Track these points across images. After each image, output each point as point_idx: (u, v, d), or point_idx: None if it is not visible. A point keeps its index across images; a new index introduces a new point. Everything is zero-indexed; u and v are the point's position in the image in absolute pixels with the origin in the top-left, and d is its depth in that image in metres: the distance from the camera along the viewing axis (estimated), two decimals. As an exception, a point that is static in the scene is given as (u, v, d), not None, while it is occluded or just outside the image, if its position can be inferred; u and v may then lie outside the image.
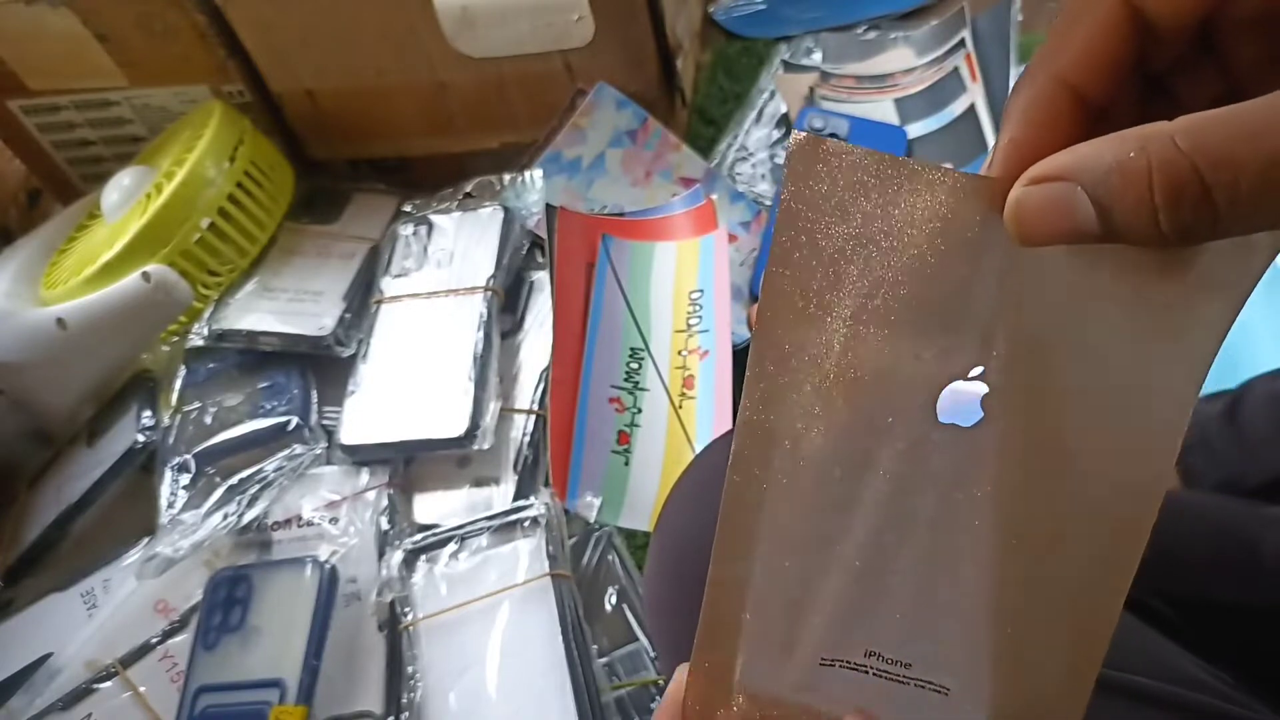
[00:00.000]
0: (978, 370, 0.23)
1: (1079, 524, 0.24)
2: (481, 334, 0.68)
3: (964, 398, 0.23)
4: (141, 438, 0.68)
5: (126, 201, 0.74)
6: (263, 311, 0.73)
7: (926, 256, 0.22)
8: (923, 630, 0.25)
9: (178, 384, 0.72)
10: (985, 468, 0.24)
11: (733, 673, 0.26)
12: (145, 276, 0.69)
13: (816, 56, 0.90)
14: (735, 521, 0.25)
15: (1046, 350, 0.22)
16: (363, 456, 0.66)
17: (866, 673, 0.26)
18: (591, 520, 0.63)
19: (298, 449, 0.66)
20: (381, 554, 0.62)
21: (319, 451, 0.67)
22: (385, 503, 0.64)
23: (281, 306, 0.74)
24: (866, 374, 0.23)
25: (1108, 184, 0.18)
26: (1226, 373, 0.65)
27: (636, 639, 0.60)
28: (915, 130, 0.80)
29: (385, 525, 0.63)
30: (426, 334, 0.70)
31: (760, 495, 0.24)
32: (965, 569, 0.24)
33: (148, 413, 0.70)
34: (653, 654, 0.59)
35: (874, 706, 0.26)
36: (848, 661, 0.26)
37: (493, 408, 0.66)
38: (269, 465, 0.65)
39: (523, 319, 0.73)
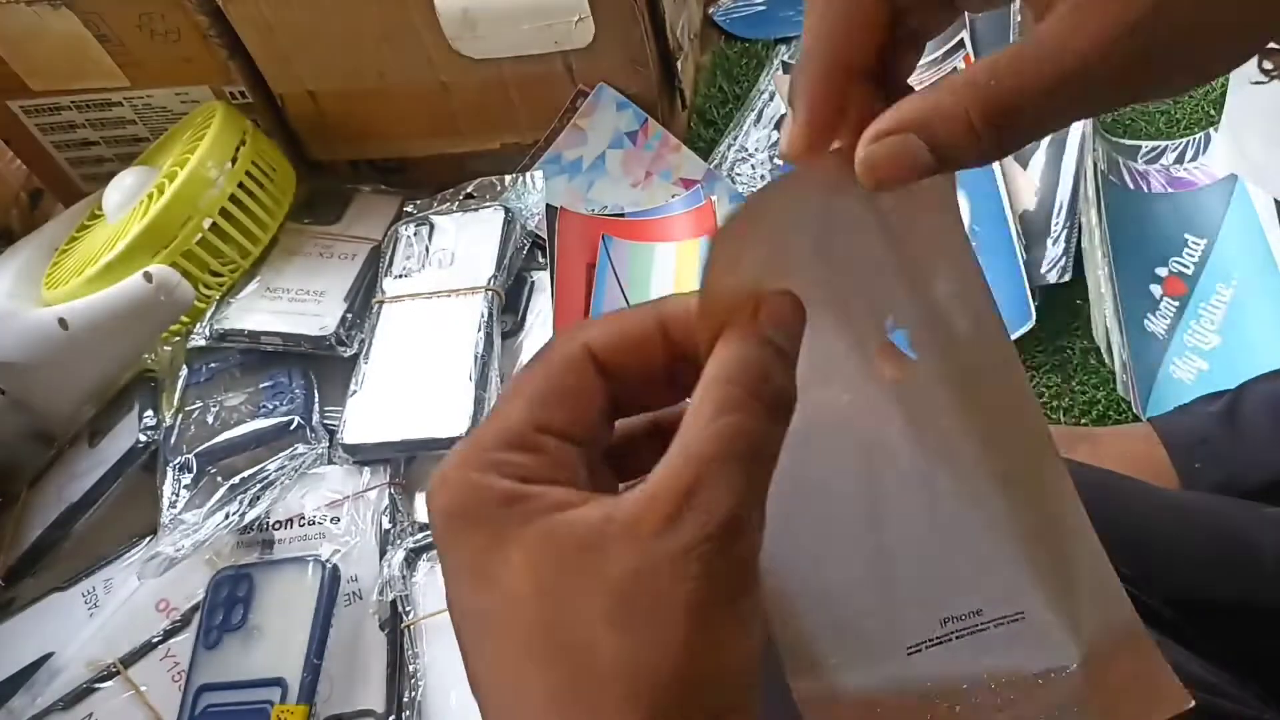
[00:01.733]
0: (890, 320, 0.25)
1: (1007, 422, 0.27)
2: (482, 334, 0.68)
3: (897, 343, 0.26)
4: (143, 437, 0.68)
5: (128, 202, 0.75)
6: (264, 311, 0.74)
7: (807, 248, 0.25)
8: (970, 575, 0.26)
9: (179, 384, 0.72)
10: (937, 401, 0.26)
11: (831, 692, 0.26)
12: (147, 277, 0.69)
13: (816, 58, 0.90)
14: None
15: (920, 282, 0.26)
16: (364, 456, 0.66)
17: (951, 639, 0.26)
18: (592, 520, 0.63)
19: (300, 448, 0.66)
20: (383, 553, 0.62)
21: (321, 451, 0.67)
22: (387, 502, 0.64)
23: (283, 306, 0.74)
24: (805, 370, 0.24)
25: (934, 125, 0.23)
26: (1227, 373, 0.65)
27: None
28: (915, 131, 0.80)
29: (387, 524, 0.63)
30: (428, 334, 0.70)
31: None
32: (967, 502, 0.26)
33: (149, 412, 0.70)
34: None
35: (975, 664, 0.27)
36: (930, 639, 0.26)
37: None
38: (271, 465, 0.65)
39: (523, 319, 0.74)
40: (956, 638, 0.26)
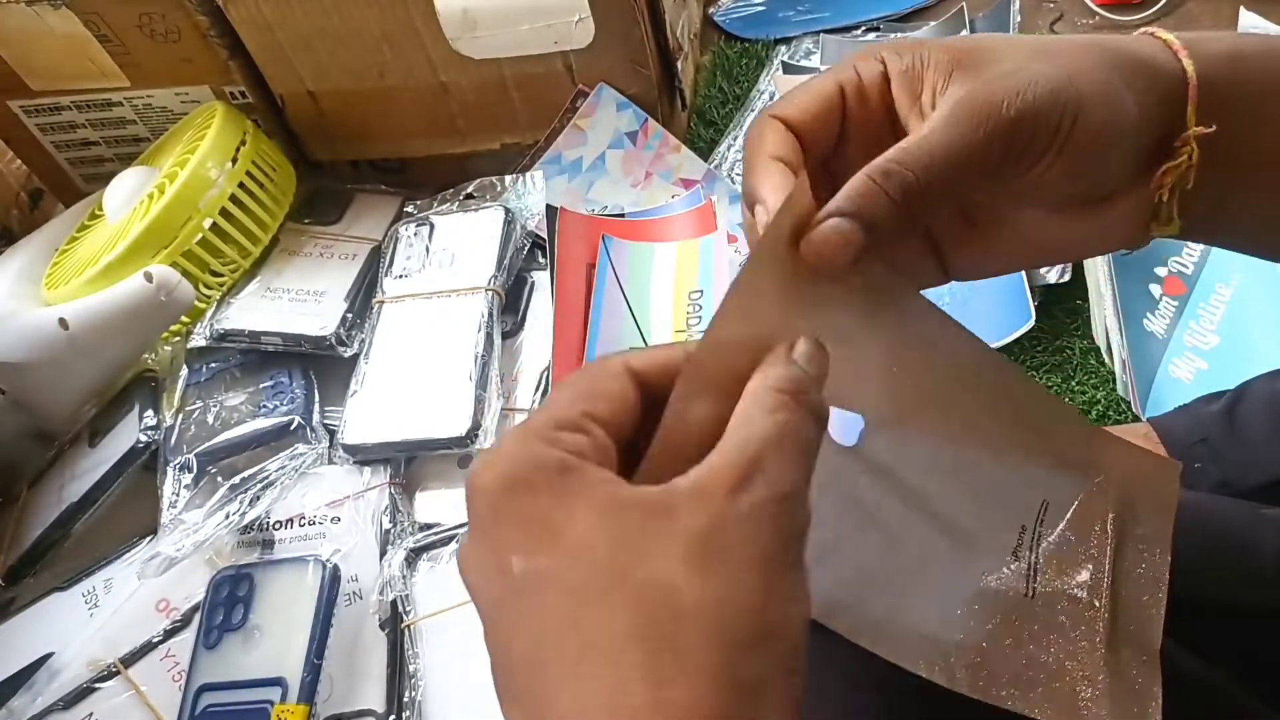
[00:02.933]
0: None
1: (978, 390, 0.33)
2: (483, 334, 0.68)
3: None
4: (143, 437, 0.68)
5: (129, 202, 0.75)
6: (265, 311, 0.74)
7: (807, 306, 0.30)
8: (992, 502, 0.34)
9: (180, 384, 0.72)
10: (928, 400, 0.33)
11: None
12: (147, 277, 0.69)
13: (815, 58, 0.90)
14: None
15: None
16: (364, 456, 0.66)
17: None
18: (592, 520, 0.63)
19: (300, 448, 0.66)
20: (383, 553, 0.62)
21: (321, 451, 0.67)
22: (387, 502, 0.64)
23: (284, 306, 0.74)
24: None
25: (859, 205, 0.29)
26: (1227, 373, 0.65)
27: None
28: (915, 131, 0.80)
29: (387, 524, 0.64)
30: (428, 334, 0.70)
31: None
32: (974, 459, 0.34)
33: (150, 412, 0.70)
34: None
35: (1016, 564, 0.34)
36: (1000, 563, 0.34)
37: (494, 407, 0.66)
38: (271, 465, 0.65)
39: (523, 319, 0.74)
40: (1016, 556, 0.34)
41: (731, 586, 0.24)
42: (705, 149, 0.86)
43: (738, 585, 0.24)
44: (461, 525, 0.62)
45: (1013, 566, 0.34)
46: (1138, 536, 0.36)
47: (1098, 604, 0.34)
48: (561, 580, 0.24)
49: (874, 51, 0.32)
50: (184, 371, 0.73)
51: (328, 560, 0.60)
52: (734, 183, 0.83)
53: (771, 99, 0.88)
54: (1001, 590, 0.34)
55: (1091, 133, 0.30)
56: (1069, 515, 0.35)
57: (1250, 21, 0.76)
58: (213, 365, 0.73)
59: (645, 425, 0.28)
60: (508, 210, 0.75)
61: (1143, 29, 0.36)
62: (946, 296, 0.72)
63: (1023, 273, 0.70)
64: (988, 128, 0.29)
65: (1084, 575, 0.34)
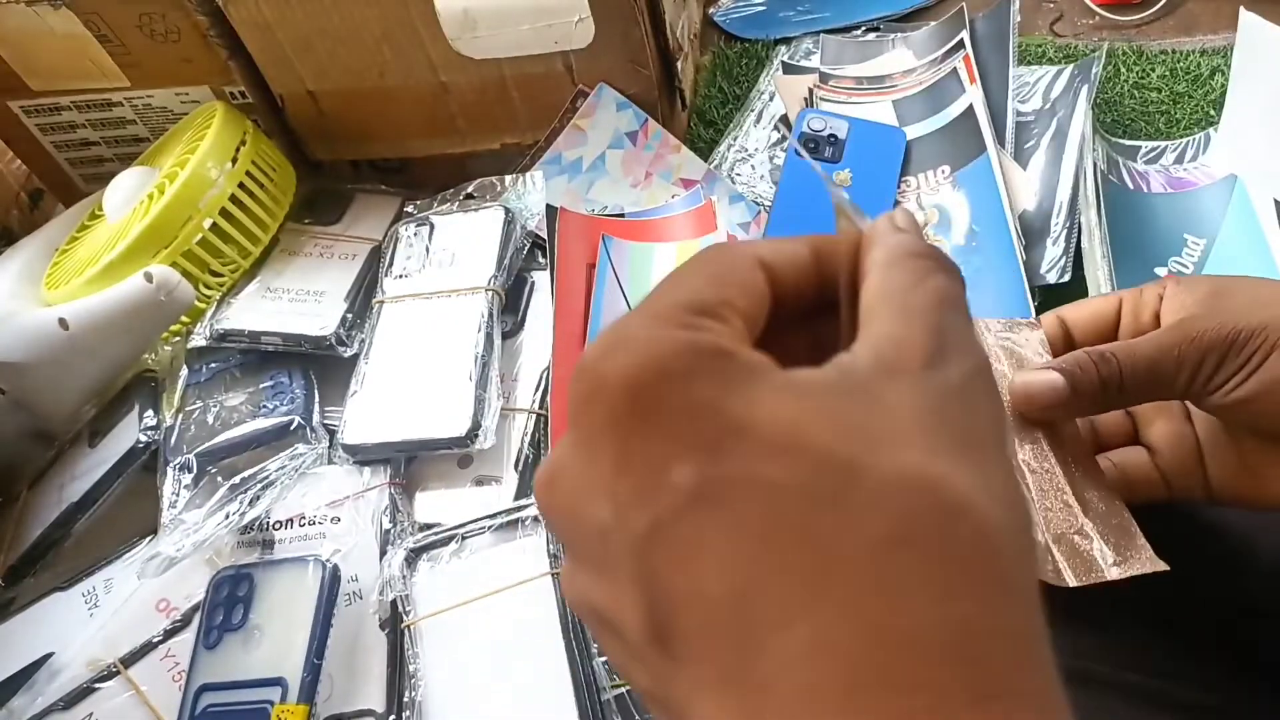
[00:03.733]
0: None
1: None
2: (483, 334, 0.68)
3: None
4: (143, 437, 0.68)
5: (128, 202, 0.75)
6: (265, 311, 0.74)
7: None
8: None
9: (180, 384, 0.72)
10: None
11: None
12: (147, 277, 0.69)
13: (815, 58, 0.90)
14: None
15: None
16: (364, 456, 0.66)
17: None
18: (592, 520, 0.63)
19: (300, 448, 0.66)
20: (383, 553, 0.62)
21: (321, 451, 0.67)
22: (387, 502, 0.64)
23: (283, 307, 0.74)
24: None
25: (1073, 371, 0.37)
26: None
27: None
28: (914, 131, 0.80)
29: (387, 524, 0.64)
30: (428, 334, 0.70)
31: None
32: None
33: (150, 412, 0.70)
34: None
35: None
36: None
37: (494, 407, 0.66)
38: (271, 465, 0.65)
39: (523, 319, 0.74)
40: None
41: (988, 477, 0.20)
42: (705, 149, 0.86)
43: (992, 475, 0.20)
44: (461, 526, 0.62)
45: None
46: None
47: (1046, 464, 0.38)
48: (769, 481, 0.19)
49: (1161, 281, 0.39)
50: (184, 371, 0.73)
51: (328, 560, 0.60)
52: (734, 182, 0.83)
53: (771, 99, 0.89)
54: None
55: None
56: None
57: (1250, 22, 0.76)
58: (213, 365, 0.73)
59: (771, 326, 0.24)
60: (508, 210, 0.75)
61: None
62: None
63: (1023, 272, 0.70)
64: (1182, 349, 0.35)
65: (1022, 445, 0.39)
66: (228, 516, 0.63)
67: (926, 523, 0.18)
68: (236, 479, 0.65)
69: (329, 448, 0.68)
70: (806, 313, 0.25)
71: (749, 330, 0.22)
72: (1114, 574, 0.35)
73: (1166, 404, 0.41)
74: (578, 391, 0.21)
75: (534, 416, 0.68)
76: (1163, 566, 0.36)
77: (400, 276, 0.75)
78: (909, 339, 0.21)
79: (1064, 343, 0.41)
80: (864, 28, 0.93)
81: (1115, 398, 0.37)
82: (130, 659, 0.61)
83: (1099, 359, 0.36)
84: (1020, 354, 0.41)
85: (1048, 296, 0.71)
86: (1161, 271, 0.71)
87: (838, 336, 0.24)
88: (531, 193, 0.77)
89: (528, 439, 0.67)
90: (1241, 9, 0.75)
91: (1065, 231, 0.71)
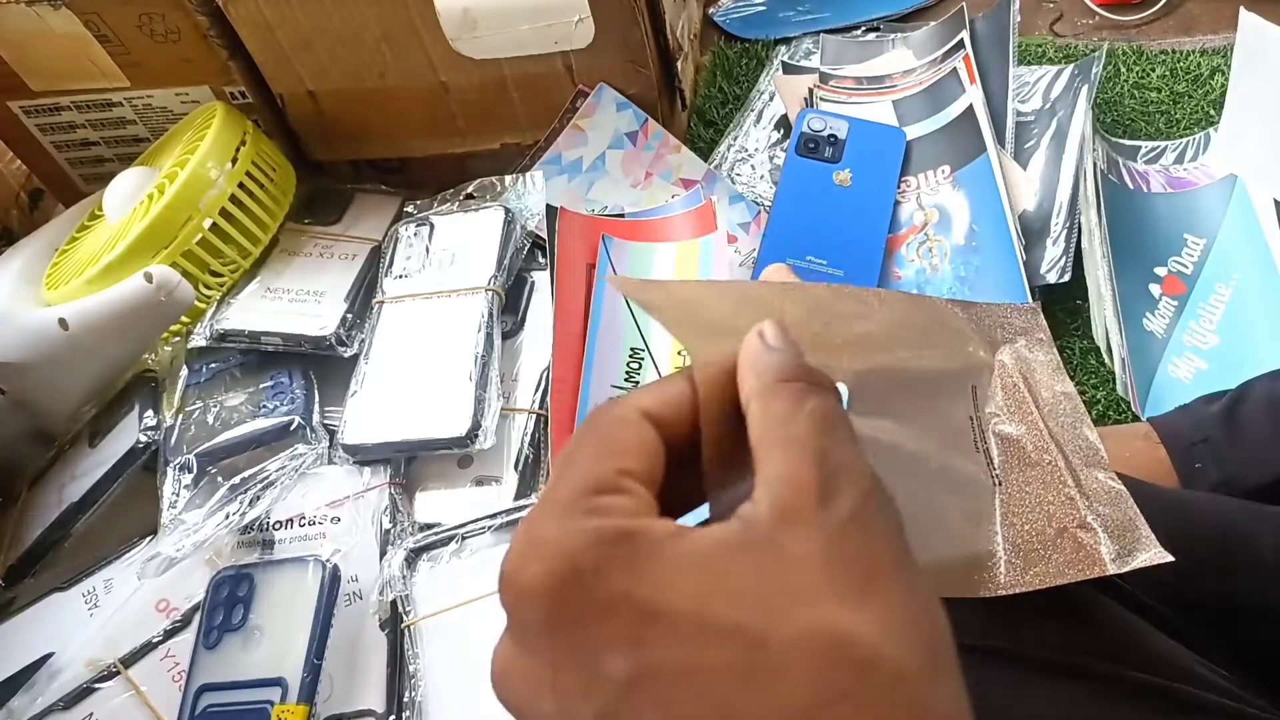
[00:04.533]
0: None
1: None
2: (483, 334, 0.68)
3: None
4: (144, 438, 0.68)
5: (128, 202, 0.75)
6: (265, 312, 0.74)
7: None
8: (948, 407, 0.37)
9: (180, 384, 0.72)
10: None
11: None
12: (147, 277, 0.69)
13: (815, 58, 0.90)
14: None
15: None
16: (364, 456, 0.66)
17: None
18: (592, 520, 0.63)
19: (300, 448, 0.66)
20: (383, 553, 0.62)
21: (321, 451, 0.67)
22: (387, 502, 0.64)
23: (283, 307, 0.74)
24: None
25: None
26: (1227, 373, 0.65)
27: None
28: (914, 131, 0.80)
29: (387, 524, 0.64)
30: (428, 334, 0.70)
31: None
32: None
33: (149, 412, 0.70)
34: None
35: None
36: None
37: (494, 407, 0.66)
38: (271, 465, 0.65)
39: (523, 319, 0.74)
40: None
41: (888, 613, 0.20)
42: (705, 149, 0.86)
43: (893, 608, 0.20)
44: (461, 526, 0.62)
45: (977, 461, 0.36)
46: (1040, 380, 0.39)
47: (1048, 456, 0.36)
48: (688, 666, 0.20)
49: None
50: (184, 371, 0.73)
51: (328, 560, 0.60)
52: (734, 182, 0.83)
53: (771, 99, 0.89)
54: (982, 487, 0.36)
55: None
56: (993, 389, 0.38)
57: (1250, 23, 0.76)
58: (213, 365, 0.73)
59: (669, 472, 0.24)
60: (508, 210, 0.75)
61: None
62: (946, 297, 0.72)
63: (1023, 272, 0.70)
64: None
65: (1025, 437, 0.37)
66: (228, 517, 0.63)
67: (839, 684, 0.19)
68: (236, 479, 0.65)
69: (329, 448, 0.68)
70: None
71: (651, 489, 0.23)
72: (1113, 569, 0.35)
73: None
74: (508, 598, 0.22)
75: (534, 416, 0.68)
76: (1167, 557, 0.34)
77: (400, 276, 0.75)
78: (799, 477, 0.21)
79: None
80: (864, 28, 0.93)
81: None
82: (130, 659, 0.61)
83: None
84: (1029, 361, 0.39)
85: (1048, 296, 0.71)
86: (1161, 271, 0.71)
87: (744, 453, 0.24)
88: (531, 193, 0.77)
89: (528, 439, 0.67)
90: (1241, 9, 0.76)
91: (1065, 231, 0.71)
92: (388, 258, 0.76)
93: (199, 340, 0.74)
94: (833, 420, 0.23)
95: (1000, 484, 0.37)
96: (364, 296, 0.75)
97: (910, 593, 0.21)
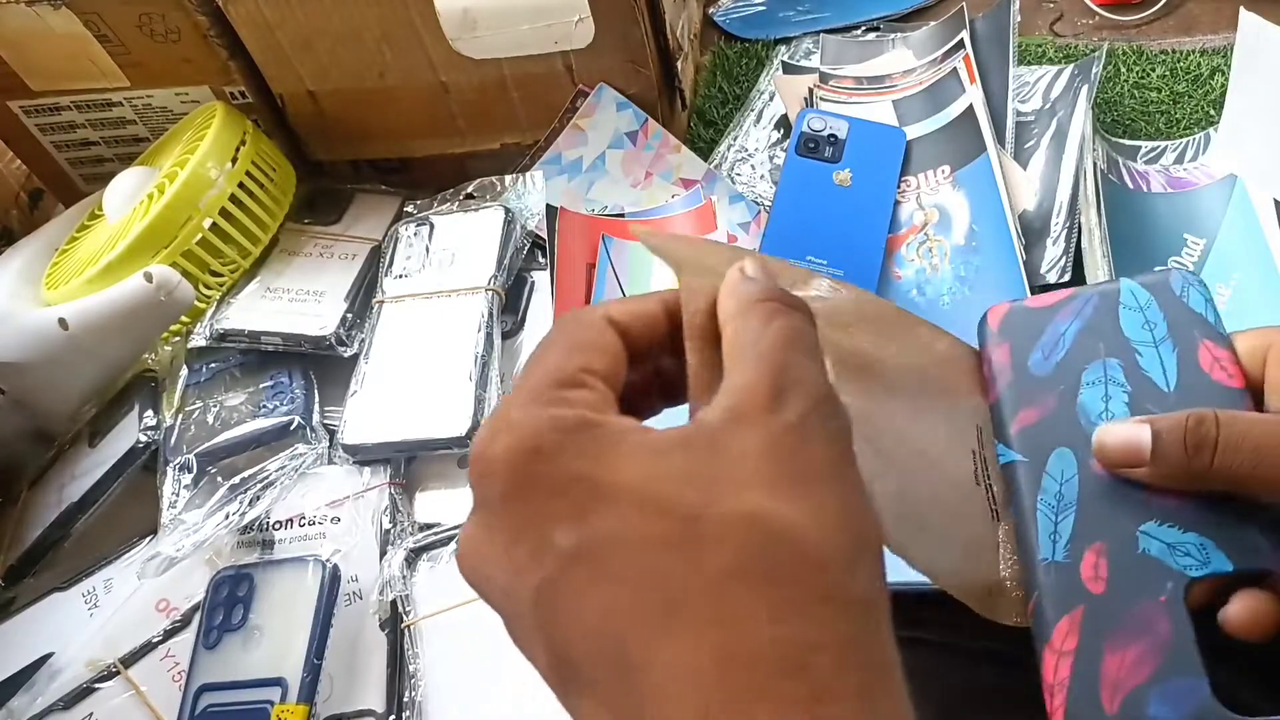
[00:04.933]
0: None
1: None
2: (483, 334, 0.68)
3: None
4: (143, 437, 0.68)
5: (128, 202, 0.75)
6: (265, 311, 0.74)
7: None
8: (948, 438, 0.37)
9: (180, 384, 0.72)
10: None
11: None
12: (147, 277, 0.69)
13: (815, 58, 0.90)
14: None
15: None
16: (364, 456, 0.66)
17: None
18: (592, 519, 0.63)
19: (300, 448, 0.66)
20: (383, 553, 0.62)
21: (321, 451, 0.67)
22: (387, 502, 0.64)
23: (283, 307, 0.74)
24: None
25: (1164, 434, 0.31)
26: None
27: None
28: (914, 131, 0.80)
29: (387, 524, 0.64)
30: (428, 334, 0.70)
31: None
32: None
33: (149, 412, 0.70)
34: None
35: None
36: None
37: (494, 407, 0.66)
38: (271, 465, 0.65)
39: (523, 319, 0.74)
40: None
41: (817, 505, 0.22)
42: (705, 149, 0.86)
43: (822, 502, 0.22)
44: (461, 525, 0.62)
45: (979, 491, 0.36)
46: None
47: None
48: (628, 537, 0.22)
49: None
50: (184, 371, 0.73)
51: (328, 560, 0.60)
52: (734, 182, 0.83)
53: (771, 99, 0.89)
54: (980, 516, 0.36)
55: None
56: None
57: (1250, 22, 0.76)
58: (213, 365, 0.73)
59: (631, 376, 0.27)
60: (508, 210, 0.75)
61: None
62: (946, 297, 0.72)
63: (1023, 272, 0.70)
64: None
65: None
66: (228, 516, 0.63)
67: (755, 554, 0.21)
68: (236, 479, 0.65)
69: (329, 448, 0.68)
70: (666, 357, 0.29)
71: (612, 387, 0.26)
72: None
73: None
74: (473, 473, 0.25)
75: (534, 416, 0.68)
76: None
77: (400, 276, 0.75)
78: (755, 385, 0.24)
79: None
80: (864, 28, 0.93)
81: (1201, 477, 0.31)
82: (130, 659, 0.61)
83: (1195, 422, 0.30)
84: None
85: (1048, 296, 0.71)
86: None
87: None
88: (531, 193, 0.77)
89: (528, 439, 0.67)
90: (1242, 9, 0.76)
91: (1065, 231, 0.71)
92: (388, 257, 0.76)
93: (199, 340, 0.74)
94: (796, 336, 0.25)
95: (1000, 520, 0.36)
96: (364, 296, 0.75)
97: (841, 494, 0.23)
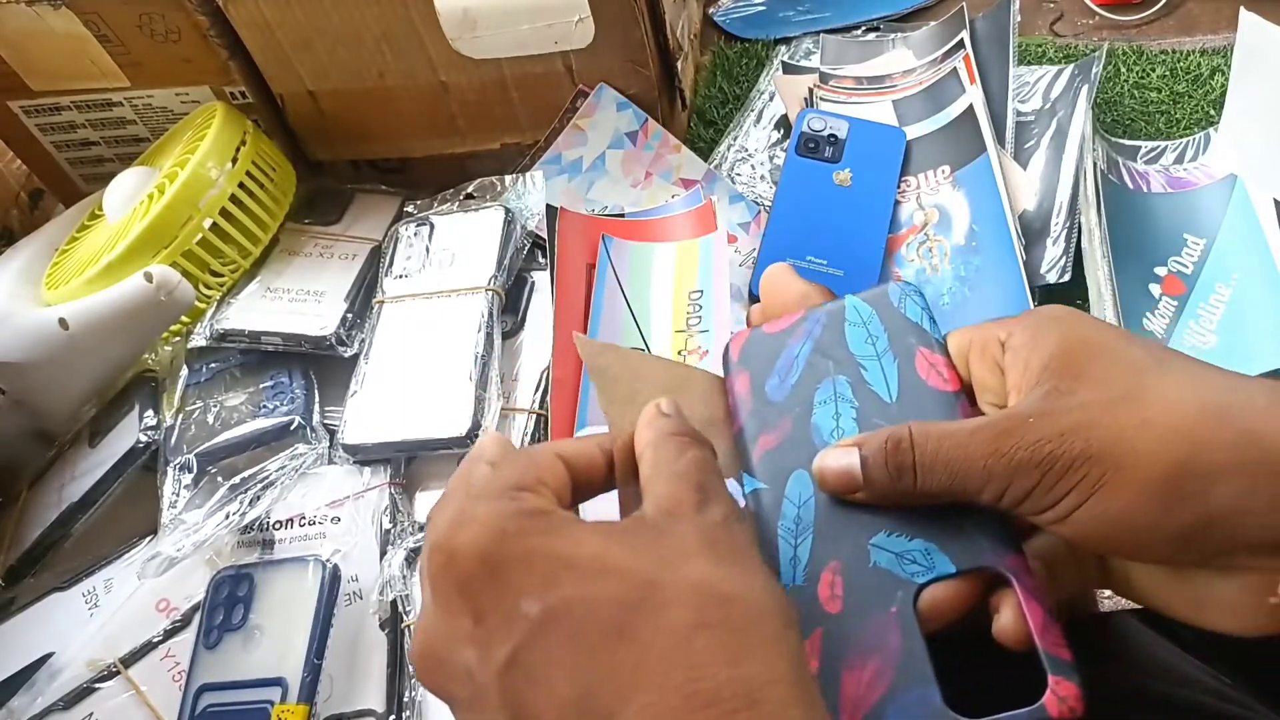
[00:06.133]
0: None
1: None
2: (483, 334, 0.68)
3: None
4: (144, 437, 0.68)
5: (129, 202, 0.75)
6: (265, 311, 0.74)
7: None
8: None
9: (180, 384, 0.72)
10: None
11: None
12: (147, 277, 0.69)
13: (815, 58, 0.90)
14: None
15: None
16: (365, 456, 0.66)
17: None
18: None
19: (300, 448, 0.66)
20: (383, 553, 0.62)
21: (321, 451, 0.67)
22: (387, 502, 0.64)
23: (284, 306, 0.74)
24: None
25: (869, 459, 0.32)
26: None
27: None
28: (914, 131, 0.80)
29: (387, 524, 0.64)
30: (428, 334, 0.70)
31: None
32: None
33: (149, 412, 0.70)
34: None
35: None
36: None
37: (494, 407, 0.66)
38: (271, 465, 0.65)
39: (523, 319, 0.74)
40: None
41: (750, 575, 0.27)
42: (705, 149, 0.86)
43: (753, 574, 0.27)
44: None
45: None
46: None
47: None
48: (594, 599, 0.25)
49: (1006, 325, 0.33)
50: (184, 371, 0.73)
51: (328, 560, 0.60)
52: (734, 182, 0.83)
53: (771, 99, 0.89)
54: None
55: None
56: None
57: (1250, 22, 0.76)
58: (213, 365, 0.73)
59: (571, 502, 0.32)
60: (508, 210, 0.75)
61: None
62: (946, 298, 0.72)
63: (1023, 272, 0.70)
64: (989, 463, 0.30)
65: None
66: (228, 516, 0.63)
67: (712, 609, 0.26)
68: (236, 479, 0.65)
69: (329, 448, 0.68)
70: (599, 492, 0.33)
71: (560, 502, 0.30)
72: None
73: None
74: (435, 564, 0.28)
75: (534, 416, 0.68)
76: None
77: (400, 276, 0.75)
78: (681, 495, 0.29)
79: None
80: (864, 28, 0.93)
81: (912, 495, 0.31)
82: (130, 659, 0.61)
83: (893, 446, 0.31)
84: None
85: (1047, 296, 0.71)
86: (1161, 271, 0.71)
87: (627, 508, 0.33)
88: (531, 193, 0.77)
89: (528, 439, 0.67)
90: (1242, 9, 0.76)
91: (1065, 231, 0.71)
92: (388, 257, 0.76)
93: (199, 340, 0.74)
94: (707, 464, 0.31)
95: None
96: (364, 296, 0.75)
97: (763, 571, 0.28)
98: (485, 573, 0.26)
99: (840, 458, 0.32)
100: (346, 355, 0.72)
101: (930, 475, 0.30)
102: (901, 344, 0.35)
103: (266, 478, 0.65)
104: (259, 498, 0.64)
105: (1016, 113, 0.79)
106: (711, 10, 0.98)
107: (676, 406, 0.33)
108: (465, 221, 0.76)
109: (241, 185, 0.74)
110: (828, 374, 0.35)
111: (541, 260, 0.76)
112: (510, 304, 0.73)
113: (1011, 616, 0.30)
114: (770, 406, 0.35)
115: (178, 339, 0.75)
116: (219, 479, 0.65)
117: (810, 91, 0.85)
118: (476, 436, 0.64)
